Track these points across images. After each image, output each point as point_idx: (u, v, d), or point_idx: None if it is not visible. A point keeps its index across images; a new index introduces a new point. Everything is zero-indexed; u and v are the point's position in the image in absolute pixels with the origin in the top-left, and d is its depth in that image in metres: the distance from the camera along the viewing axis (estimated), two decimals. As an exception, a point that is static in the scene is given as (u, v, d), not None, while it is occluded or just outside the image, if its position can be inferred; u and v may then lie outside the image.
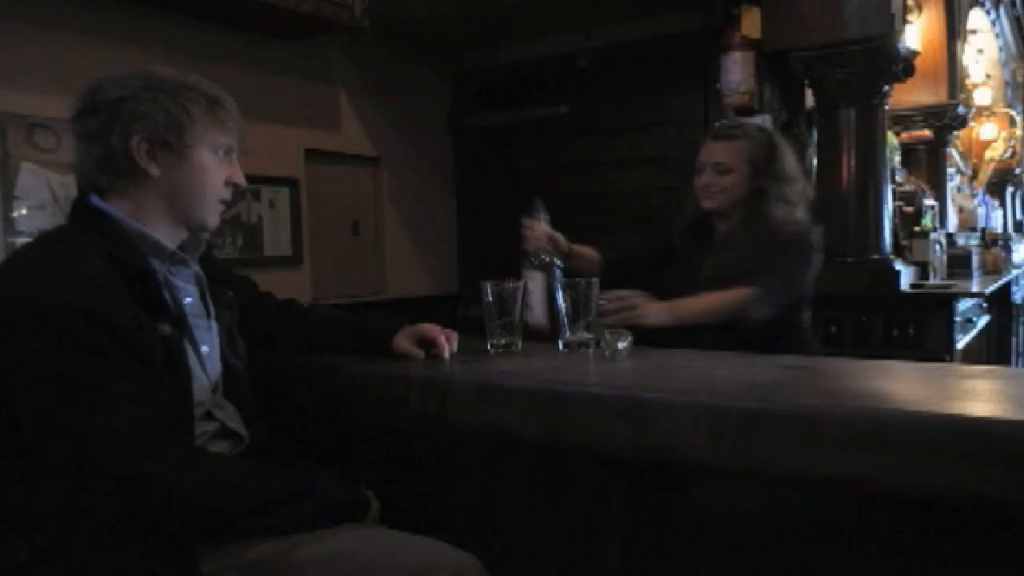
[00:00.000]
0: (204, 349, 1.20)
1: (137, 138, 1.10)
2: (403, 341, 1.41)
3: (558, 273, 1.67)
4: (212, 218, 1.21)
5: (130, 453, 0.98)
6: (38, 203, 2.38)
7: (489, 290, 1.46)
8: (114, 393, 0.99)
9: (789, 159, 1.87)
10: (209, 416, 1.18)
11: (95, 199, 1.15)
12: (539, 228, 1.74)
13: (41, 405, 0.99)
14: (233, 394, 1.24)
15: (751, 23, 2.82)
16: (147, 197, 1.14)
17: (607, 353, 1.37)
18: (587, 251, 1.93)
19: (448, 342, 1.41)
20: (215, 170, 1.18)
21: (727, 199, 1.86)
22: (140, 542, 1.03)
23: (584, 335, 1.45)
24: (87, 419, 0.98)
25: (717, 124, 2.05)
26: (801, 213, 1.84)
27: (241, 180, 1.23)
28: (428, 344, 1.41)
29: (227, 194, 1.22)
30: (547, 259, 1.66)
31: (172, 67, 1.19)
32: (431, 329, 1.42)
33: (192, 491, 1.02)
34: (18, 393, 1.00)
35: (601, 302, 1.48)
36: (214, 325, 1.24)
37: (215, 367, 1.22)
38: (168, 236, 1.17)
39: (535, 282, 1.61)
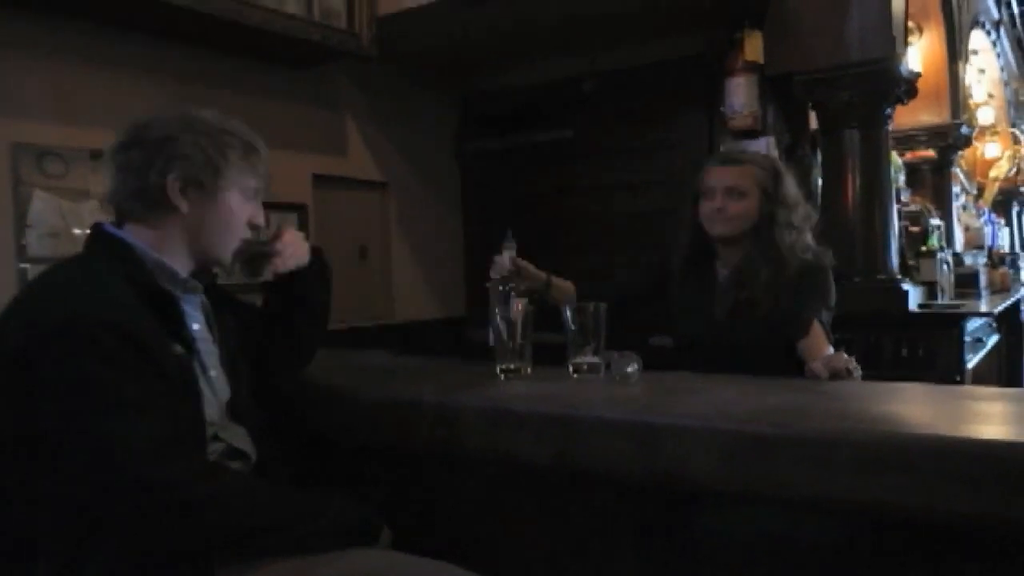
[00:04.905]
0: (212, 373, 1.24)
1: (173, 175, 1.17)
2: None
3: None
4: (228, 255, 1.28)
5: (155, 458, 1.01)
6: (50, 230, 2.41)
7: (498, 314, 1.46)
8: (140, 403, 1.03)
9: (791, 184, 1.84)
10: (216, 438, 1.20)
11: (110, 227, 1.21)
12: (503, 258, 1.79)
13: (69, 414, 1.01)
14: (239, 417, 1.26)
15: (754, 47, 2.85)
16: (171, 230, 1.21)
17: (616, 377, 1.37)
18: (568, 286, 1.94)
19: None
20: (241, 210, 1.26)
21: (740, 225, 1.79)
22: (157, 561, 1.04)
23: (593, 359, 1.45)
24: (114, 426, 1.00)
25: (721, 150, 2.03)
26: (808, 238, 1.80)
27: (261, 220, 1.30)
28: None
29: (247, 233, 1.29)
30: (506, 287, 1.67)
31: (190, 103, 1.28)
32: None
33: (212, 500, 1.04)
34: (46, 405, 1.02)
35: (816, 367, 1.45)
36: (217, 351, 1.27)
37: (224, 390, 1.25)
38: (182, 266, 1.23)
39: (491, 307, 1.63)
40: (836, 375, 1.40)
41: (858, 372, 1.42)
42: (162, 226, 1.20)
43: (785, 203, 1.79)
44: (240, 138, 1.24)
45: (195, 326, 1.23)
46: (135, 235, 1.19)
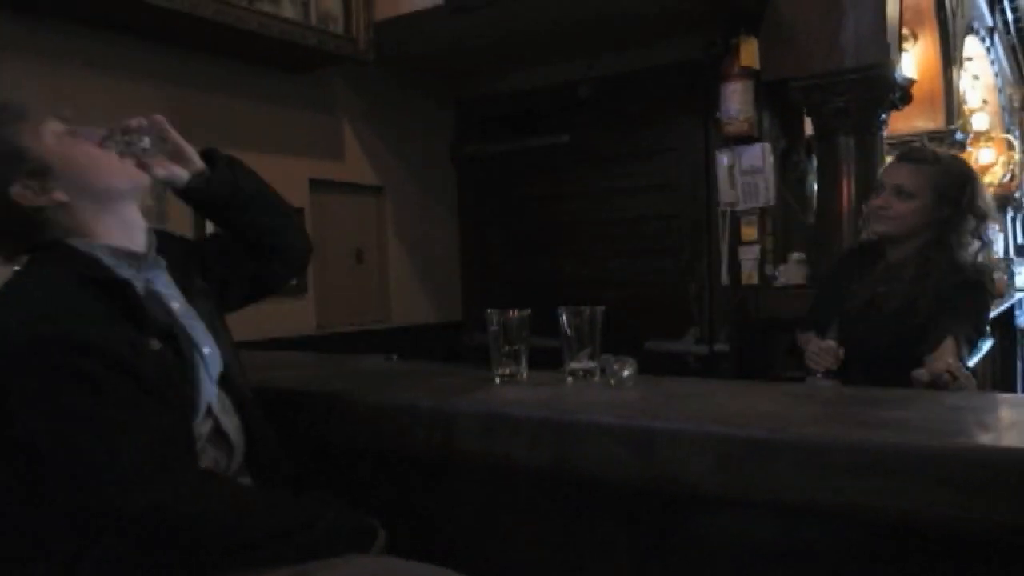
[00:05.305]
0: (206, 350, 1.18)
1: (17, 190, 1.09)
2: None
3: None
4: (131, 178, 1.16)
5: (137, 484, 0.98)
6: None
7: (494, 319, 1.46)
8: (115, 425, 0.99)
9: (983, 194, 1.76)
10: (207, 412, 1.15)
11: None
12: (826, 345, 1.71)
13: (44, 443, 0.99)
14: (229, 389, 1.21)
15: (749, 53, 2.86)
16: (76, 216, 1.12)
17: (612, 381, 1.37)
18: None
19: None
20: (79, 149, 1.14)
21: (900, 226, 1.73)
22: (151, 568, 1.03)
23: (589, 363, 1.45)
24: (90, 456, 0.97)
25: (910, 146, 1.99)
26: (973, 251, 1.73)
27: (96, 135, 1.17)
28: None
29: (112, 154, 1.16)
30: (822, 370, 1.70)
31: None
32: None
33: (203, 517, 1.03)
34: (23, 428, 1.00)
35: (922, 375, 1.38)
36: (203, 323, 1.21)
37: (217, 364, 1.19)
38: (128, 238, 1.15)
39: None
40: (936, 380, 1.34)
41: (969, 382, 1.36)
42: (71, 222, 1.12)
43: (971, 210, 1.72)
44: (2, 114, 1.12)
45: (175, 304, 1.17)
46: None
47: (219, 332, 1.24)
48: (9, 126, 1.11)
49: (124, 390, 1.01)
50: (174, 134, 1.22)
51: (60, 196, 1.11)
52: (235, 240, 1.35)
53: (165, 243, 1.25)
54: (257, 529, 1.08)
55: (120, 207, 1.17)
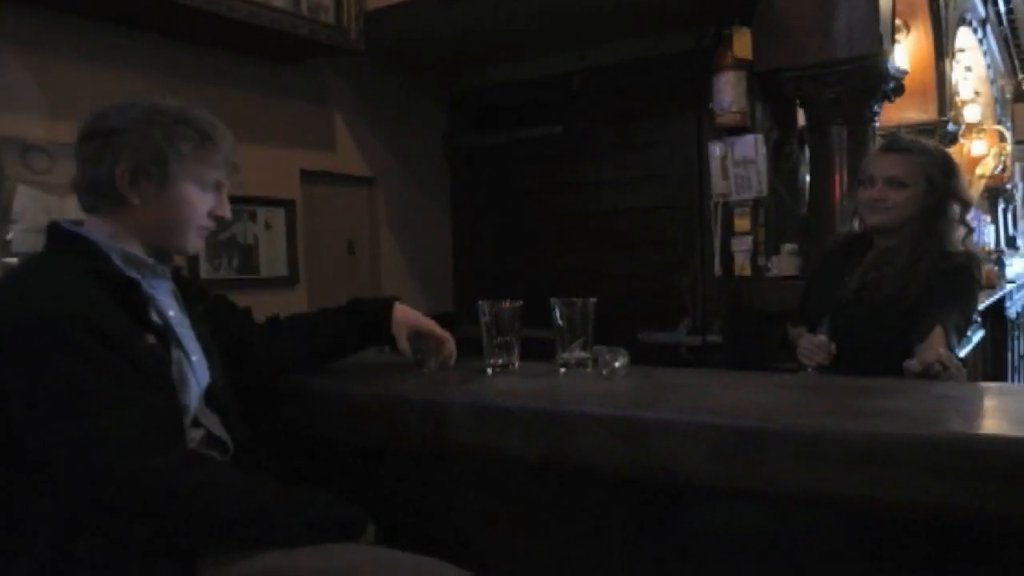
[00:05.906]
0: (194, 358, 1.23)
1: (122, 167, 1.16)
2: (403, 339, 1.48)
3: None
4: (192, 245, 1.25)
5: (134, 450, 1.01)
6: (34, 225, 2.38)
7: (486, 310, 1.46)
8: (113, 396, 1.03)
9: (965, 180, 1.78)
10: (196, 423, 1.20)
11: (66, 224, 1.20)
12: (818, 341, 1.69)
13: (43, 412, 1.01)
14: (214, 404, 1.25)
15: (742, 44, 2.85)
16: (126, 222, 1.19)
17: (605, 372, 1.37)
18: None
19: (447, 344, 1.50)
20: (198, 202, 1.23)
21: (897, 216, 1.74)
22: (141, 555, 1.04)
23: (581, 354, 1.45)
24: (90, 421, 1.00)
25: (891, 136, 1.99)
26: (959, 236, 1.75)
27: (225, 213, 1.27)
28: (426, 338, 1.49)
29: (210, 224, 1.26)
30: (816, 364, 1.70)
31: (178, 98, 1.25)
32: (432, 327, 1.50)
33: (195, 490, 1.04)
34: (19, 404, 1.02)
35: (912, 365, 1.38)
36: (194, 335, 1.27)
37: (204, 375, 1.24)
38: (144, 254, 1.22)
39: None
40: (928, 370, 1.35)
41: (960, 372, 1.37)
42: (117, 218, 1.18)
43: (958, 197, 1.75)
44: (196, 128, 1.21)
45: (171, 312, 1.23)
46: (93, 228, 1.19)
47: (211, 352, 1.28)
48: (185, 137, 1.19)
49: (120, 367, 1.05)
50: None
51: (135, 199, 1.17)
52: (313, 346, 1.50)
53: (177, 275, 1.31)
54: (246, 508, 1.09)
55: (158, 251, 1.23)
